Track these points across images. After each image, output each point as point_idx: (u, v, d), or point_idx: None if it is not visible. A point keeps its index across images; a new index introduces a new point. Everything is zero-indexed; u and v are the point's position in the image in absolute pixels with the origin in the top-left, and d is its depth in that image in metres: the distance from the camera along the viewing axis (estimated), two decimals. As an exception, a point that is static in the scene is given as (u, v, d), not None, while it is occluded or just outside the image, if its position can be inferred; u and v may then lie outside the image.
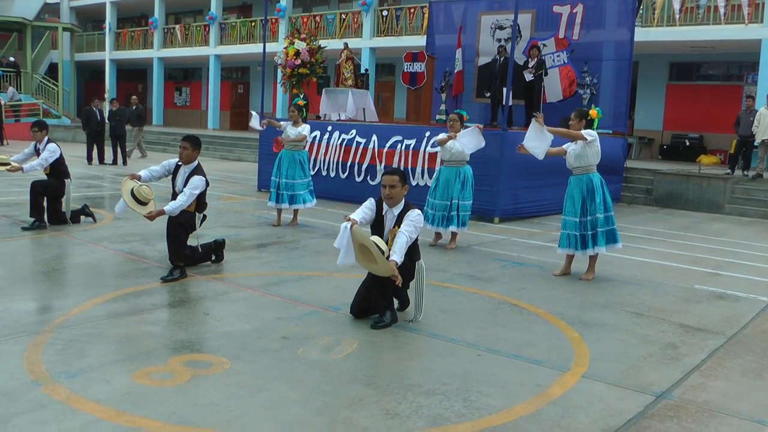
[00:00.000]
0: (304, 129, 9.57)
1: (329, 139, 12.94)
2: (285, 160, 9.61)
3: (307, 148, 10.07)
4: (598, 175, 7.17)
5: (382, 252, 5.01)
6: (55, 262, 7.13)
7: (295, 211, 9.82)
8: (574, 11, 14.93)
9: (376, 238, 5.16)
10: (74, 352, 4.45)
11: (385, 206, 5.40)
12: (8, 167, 8.58)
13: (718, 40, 17.16)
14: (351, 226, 5.09)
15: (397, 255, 5.03)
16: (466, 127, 8.77)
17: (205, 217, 6.99)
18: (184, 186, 6.68)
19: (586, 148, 7.03)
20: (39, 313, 5.36)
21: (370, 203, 5.44)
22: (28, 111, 30.10)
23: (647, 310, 6.10)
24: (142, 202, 6.75)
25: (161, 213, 6.56)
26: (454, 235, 8.64)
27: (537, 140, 7.10)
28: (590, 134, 7.03)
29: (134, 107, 20.13)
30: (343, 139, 12.72)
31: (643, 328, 5.55)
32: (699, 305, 6.36)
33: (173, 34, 31.85)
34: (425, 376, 4.27)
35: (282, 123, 10.10)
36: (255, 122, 10.44)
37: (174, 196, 6.79)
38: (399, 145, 11.62)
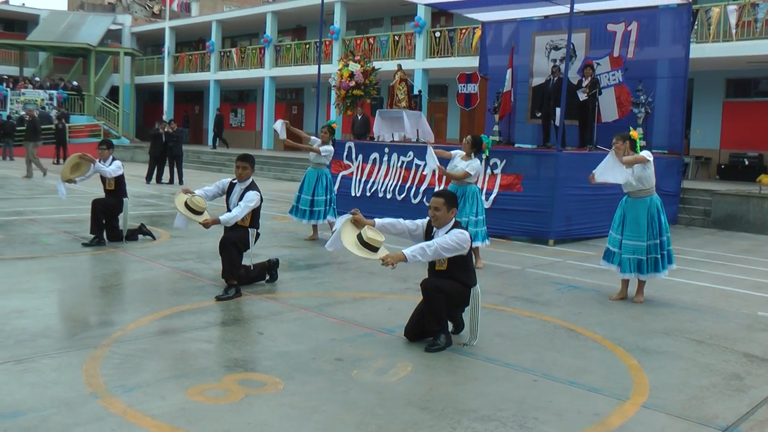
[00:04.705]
0: (328, 148, 10.17)
1: (389, 160, 13.00)
2: (309, 177, 10.15)
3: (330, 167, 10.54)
4: (657, 196, 7.05)
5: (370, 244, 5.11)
6: (114, 278, 7.29)
7: (314, 226, 10.26)
8: (629, 29, 14.69)
9: (366, 229, 5.20)
10: (131, 366, 4.52)
11: (434, 228, 5.38)
12: (78, 174, 9.12)
13: (778, 54, 16.64)
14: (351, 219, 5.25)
15: (409, 250, 5.00)
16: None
17: (258, 234, 7.06)
18: (240, 201, 6.80)
19: (646, 169, 6.89)
20: (97, 327, 5.47)
21: (422, 220, 5.47)
22: (89, 132, 31.12)
23: (708, 337, 5.89)
24: (196, 212, 6.87)
25: (216, 221, 6.66)
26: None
27: (612, 172, 6.77)
28: (650, 155, 6.92)
29: (29, 118, 20.33)
30: (402, 162, 12.75)
31: (704, 356, 5.35)
32: (764, 333, 6.11)
33: (229, 56, 32.60)
34: (480, 401, 4.19)
35: (312, 138, 10.47)
36: (280, 128, 10.60)
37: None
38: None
